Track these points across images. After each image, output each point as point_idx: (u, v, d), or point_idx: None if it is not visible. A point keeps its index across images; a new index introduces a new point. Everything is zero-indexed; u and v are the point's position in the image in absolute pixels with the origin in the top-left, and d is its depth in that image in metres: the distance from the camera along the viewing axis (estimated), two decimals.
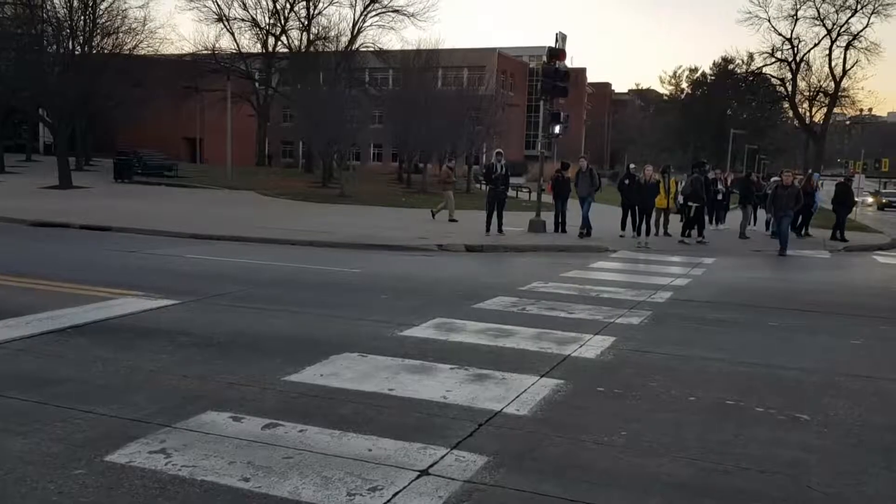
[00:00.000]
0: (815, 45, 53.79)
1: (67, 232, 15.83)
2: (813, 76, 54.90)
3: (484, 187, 27.47)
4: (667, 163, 24.52)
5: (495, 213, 17.04)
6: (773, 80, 59.26)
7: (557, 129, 18.47)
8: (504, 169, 17.44)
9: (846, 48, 50.71)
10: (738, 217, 19.98)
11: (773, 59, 54.94)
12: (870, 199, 45.60)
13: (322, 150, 36.43)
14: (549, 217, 18.43)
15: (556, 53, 18.03)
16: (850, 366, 6.56)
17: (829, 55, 51.68)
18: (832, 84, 51.90)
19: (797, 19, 51.28)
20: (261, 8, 54.93)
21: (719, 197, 20.92)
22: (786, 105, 60.81)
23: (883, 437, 4.80)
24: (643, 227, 17.40)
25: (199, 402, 4.96)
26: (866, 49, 50.35)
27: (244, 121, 48.82)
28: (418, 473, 3.94)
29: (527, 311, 8.47)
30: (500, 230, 16.98)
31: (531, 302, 9.03)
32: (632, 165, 19.15)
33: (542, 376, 5.80)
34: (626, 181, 17.70)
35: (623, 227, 17.71)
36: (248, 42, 55.12)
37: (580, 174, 18.03)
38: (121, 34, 33.20)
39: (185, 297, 8.50)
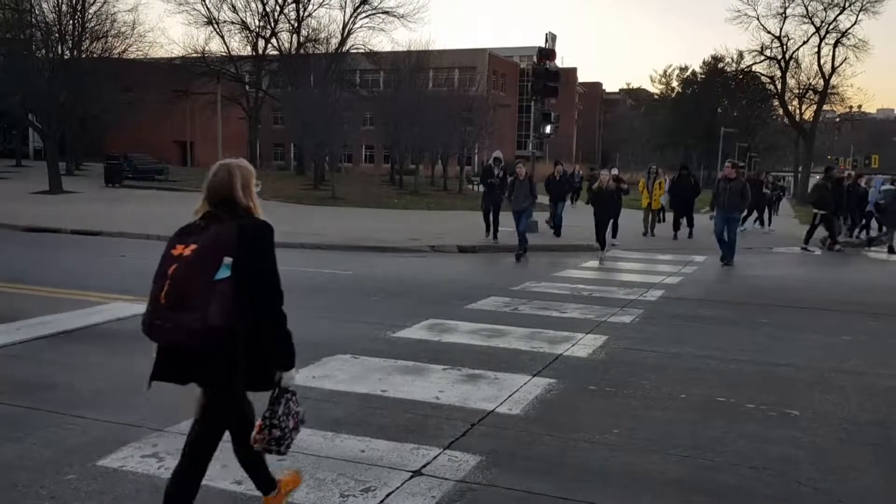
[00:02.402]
0: (804, 42, 54.02)
1: (58, 237, 15.76)
2: (802, 74, 55.10)
3: (478, 189, 27.51)
4: (657, 163, 24.52)
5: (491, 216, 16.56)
6: (762, 78, 59.46)
7: (549, 129, 18.53)
8: (503, 173, 16.54)
9: (835, 46, 50.91)
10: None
11: (763, 58, 55.11)
12: None
13: (313, 152, 36.38)
14: (541, 218, 18.43)
15: (547, 54, 18.09)
16: (840, 362, 6.60)
17: (818, 53, 51.89)
18: (821, 81, 52.10)
19: (786, 17, 51.46)
20: (250, 10, 54.72)
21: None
22: (775, 103, 60.98)
23: (872, 433, 4.84)
24: (604, 238, 14.33)
25: (191, 405, 4.94)
26: (855, 46, 50.55)
27: (235, 124, 48.69)
28: (411, 474, 3.95)
29: (519, 311, 8.49)
30: (494, 236, 16.12)
31: (523, 302, 9.05)
32: (614, 170, 18.58)
33: (534, 375, 5.82)
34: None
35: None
36: (238, 45, 55.05)
37: (516, 183, 14.63)
38: (110, 38, 33.00)
39: None
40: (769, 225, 22.24)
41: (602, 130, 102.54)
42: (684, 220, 18.62)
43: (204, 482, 3.78)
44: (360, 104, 43.88)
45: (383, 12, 50.25)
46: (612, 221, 15.45)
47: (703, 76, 74.76)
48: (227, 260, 2.87)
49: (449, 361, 6.14)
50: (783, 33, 52.84)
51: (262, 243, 3.03)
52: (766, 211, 22.36)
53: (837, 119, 70.98)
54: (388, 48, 51.89)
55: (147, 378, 3.06)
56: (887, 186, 17.80)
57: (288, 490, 3.52)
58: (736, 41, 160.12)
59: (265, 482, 3.39)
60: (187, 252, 2.87)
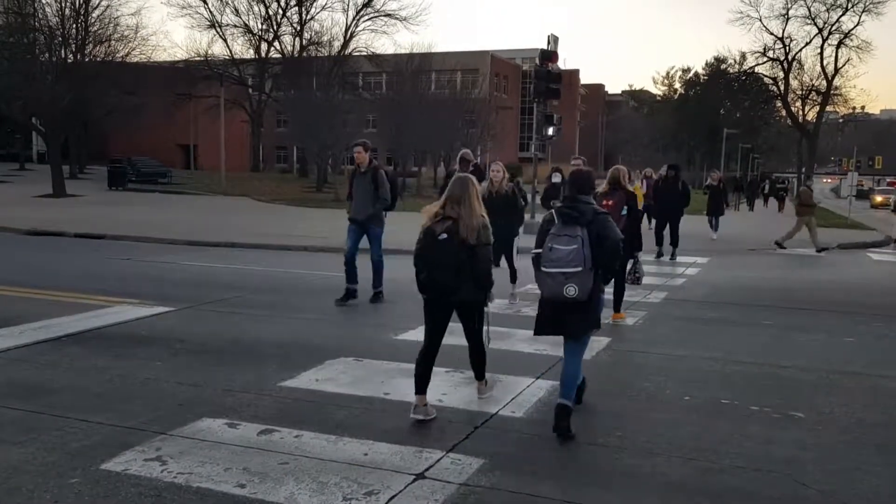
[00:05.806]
0: (807, 43, 53.96)
1: (62, 240, 15.79)
2: (805, 75, 55.11)
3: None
4: (658, 163, 24.03)
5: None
6: (765, 79, 59.47)
7: (551, 131, 18.52)
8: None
9: (837, 47, 50.91)
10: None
11: (765, 59, 55.14)
12: (878, 198, 45.32)
13: (316, 154, 36.43)
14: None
15: (549, 56, 18.09)
16: (844, 363, 6.58)
17: (821, 54, 51.88)
18: (824, 82, 52.09)
19: (788, 18, 51.50)
20: (253, 14, 54.99)
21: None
22: (778, 104, 60.98)
23: (878, 434, 4.82)
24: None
25: (194, 409, 4.95)
26: (857, 47, 50.55)
27: (238, 127, 48.77)
28: (414, 477, 3.94)
29: (522, 314, 8.46)
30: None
31: (527, 304, 9.00)
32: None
33: (537, 378, 5.81)
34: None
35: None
36: (241, 48, 55.00)
37: (356, 177, 9.22)
38: (113, 42, 33.05)
39: (181, 305, 8.49)
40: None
41: (605, 132, 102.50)
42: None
43: (206, 485, 3.79)
44: (363, 107, 43.96)
45: (386, 15, 50.40)
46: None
47: (705, 77, 74.81)
48: (625, 207, 7.54)
49: (452, 364, 6.11)
50: (786, 34, 52.89)
51: (634, 202, 7.67)
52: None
53: (840, 120, 70.96)
54: (390, 51, 51.95)
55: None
56: None
57: (623, 315, 8.19)
58: (738, 42, 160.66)
59: (618, 305, 8.10)
60: (610, 203, 7.38)
